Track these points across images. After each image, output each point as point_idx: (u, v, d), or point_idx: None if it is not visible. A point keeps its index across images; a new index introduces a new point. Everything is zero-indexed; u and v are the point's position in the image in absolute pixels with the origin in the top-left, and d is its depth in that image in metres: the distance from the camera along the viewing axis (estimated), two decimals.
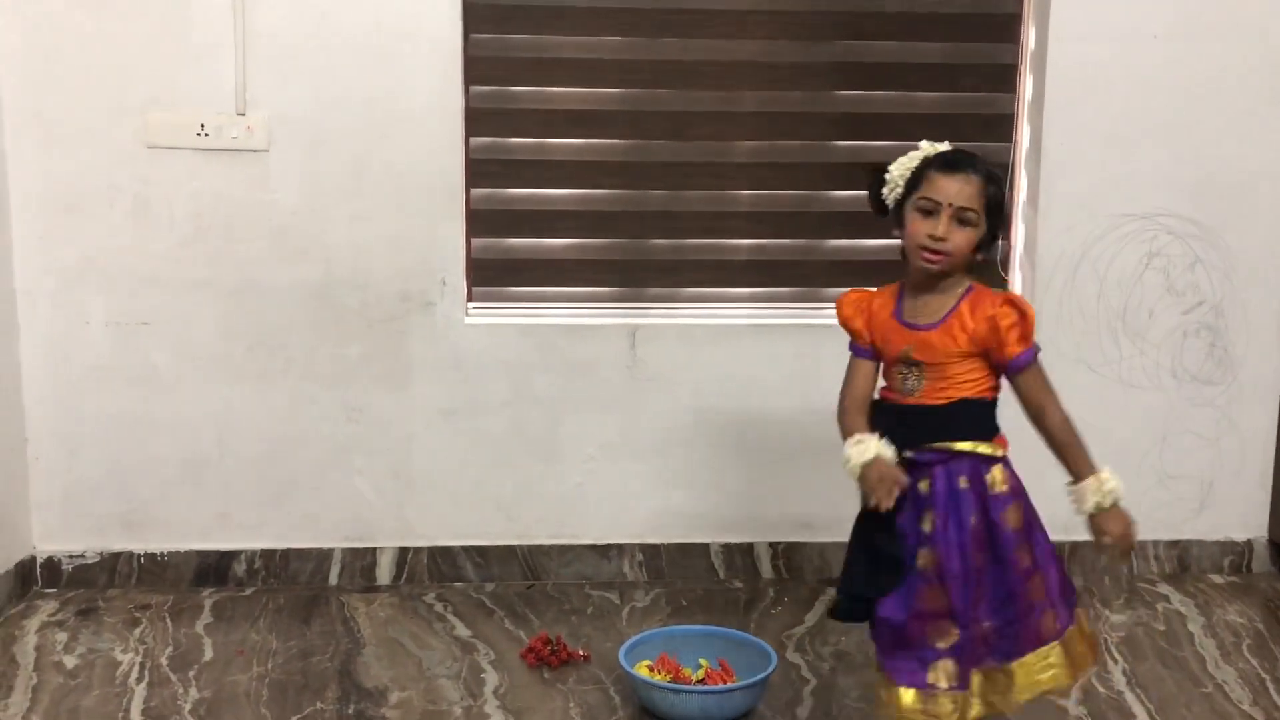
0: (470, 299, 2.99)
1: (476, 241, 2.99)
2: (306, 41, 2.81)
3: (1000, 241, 3.04)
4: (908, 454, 1.93)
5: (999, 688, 1.95)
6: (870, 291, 2.06)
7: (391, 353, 2.93)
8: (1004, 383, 2.00)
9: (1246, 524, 3.15)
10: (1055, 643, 1.95)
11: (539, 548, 3.04)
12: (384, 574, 3.01)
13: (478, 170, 2.96)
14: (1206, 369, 3.08)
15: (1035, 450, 3.05)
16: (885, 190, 2.00)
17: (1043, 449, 3.04)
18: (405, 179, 2.89)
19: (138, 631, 2.71)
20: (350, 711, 2.36)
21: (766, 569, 3.08)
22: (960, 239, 1.90)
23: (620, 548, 3.05)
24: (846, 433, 2.00)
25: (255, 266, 2.88)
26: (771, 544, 3.07)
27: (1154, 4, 2.92)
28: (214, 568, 2.97)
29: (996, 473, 1.95)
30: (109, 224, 2.84)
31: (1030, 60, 3.01)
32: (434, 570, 3.01)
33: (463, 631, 2.74)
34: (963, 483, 1.92)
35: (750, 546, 3.07)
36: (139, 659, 2.57)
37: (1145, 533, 3.07)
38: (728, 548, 3.07)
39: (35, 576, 2.93)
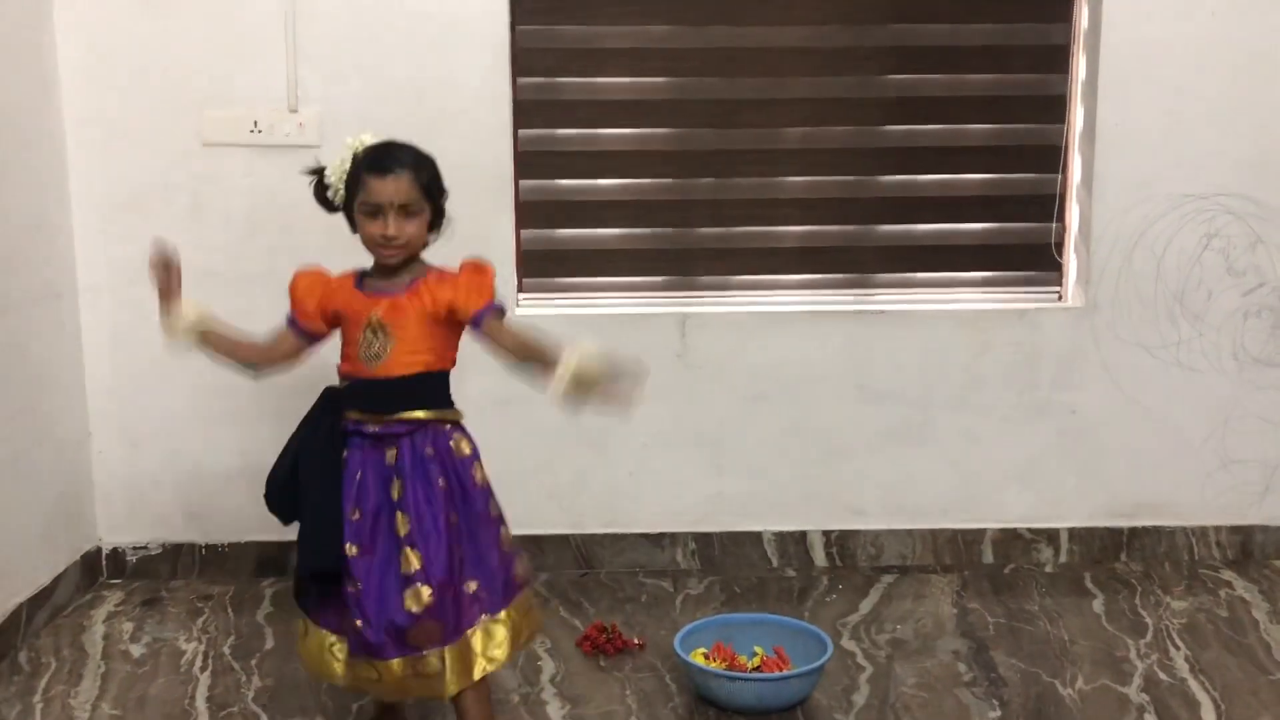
0: (520, 290, 3.00)
1: (526, 233, 3.00)
2: (355, 37, 2.84)
3: (1056, 225, 3.01)
4: (373, 429, 2.00)
5: (497, 639, 2.03)
6: (325, 273, 2.13)
7: None
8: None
9: None
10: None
11: (592, 537, 3.06)
12: None
13: (526, 161, 2.97)
14: (1269, 351, 3.02)
15: (1090, 436, 3.03)
16: (329, 193, 2.08)
17: (1088, 437, 3.02)
18: (455, 171, 2.82)
19: (200, 621, 2.76)
20: (410, 699, 2.39)
21: (820, 556, 3.07)
22: (411, 229, 2.02)
23: (673, 536, 3.06)
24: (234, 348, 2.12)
25: (310, 260, 2.90)
26: (825, 531, 3.06)
27: None
28: (274, 559, 3.02)
29: (460, 438, 2.06)
30: (167, 221, 2.88)
31: (1083, 40, 2.96)
32: None
33: None
34: (429, 451, 2.01)
35: (803, 534, 3.06)
36: (202, 648, 2.63)
37: (1207, 518, 3.08)
38: (780, 535, 3.06)
39: (101, 568, 3.00)
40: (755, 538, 3.06)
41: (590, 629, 2.63)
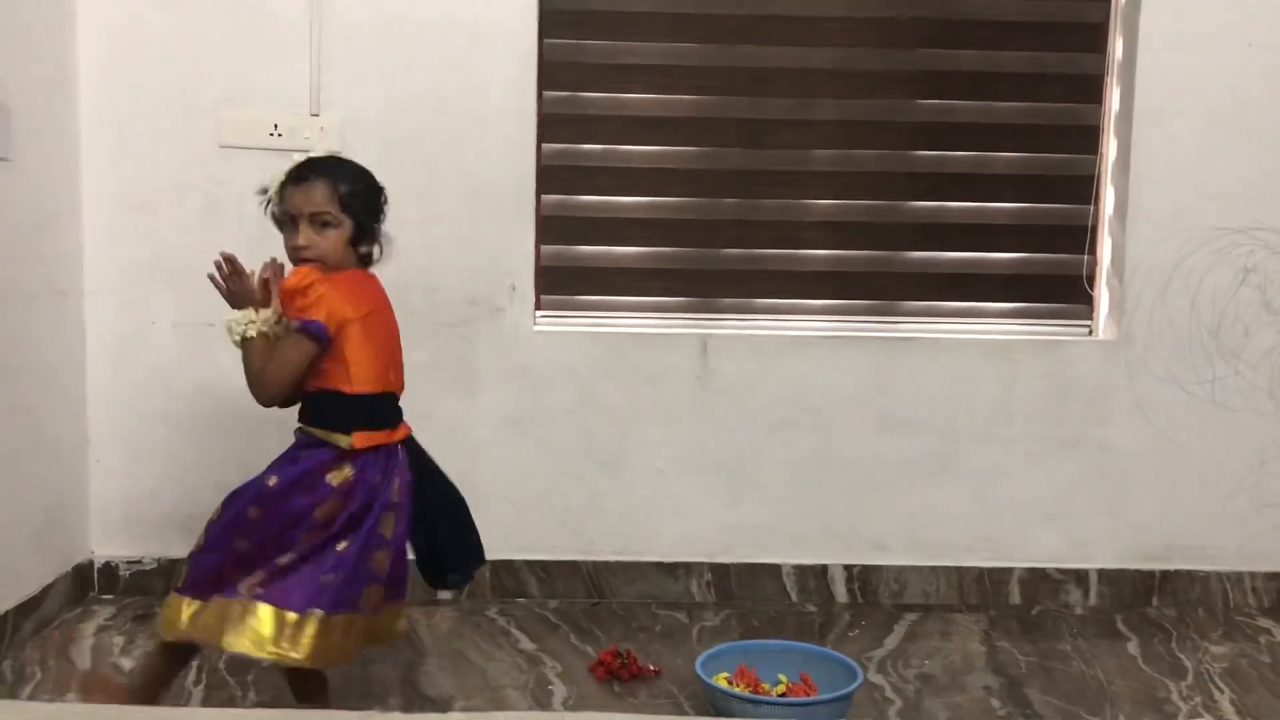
0: (539, 306, 2.92)
1: (546, 248, 2.93)
2: (381, 43, 2.80)
3: (1088, 257, 2.95)
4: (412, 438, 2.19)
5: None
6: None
7: (459, 358, 2.87)
8: None
9: None
10: None
11: (604, 564, 2.94)
12: None
13: (549, 176, 2.91)
14: None
15: (1121, 474, 2.91)
16: (268, 208, 2.06)
17: (1118, 474, 2.92)
18: (477, 183, 2.85)
19: None
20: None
21: (841, 592, 2.95)
22: (326, 242, 2.00)
23: (688, 566, 2.94)
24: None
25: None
26: (846, 566, 2.95)
27: (1247, 10, 2.84)
28: None
29: (345, 468, 2.03)
30: (179, 223, 2.82)
31: (1118, 70, 2.92)
32: (496, 584, 2.91)
33: (528, 645, 2.63)
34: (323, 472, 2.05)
35: (824, 568, 2.95)
36: (196, 662, 2.48)
37: (1243, 564, 2.97)
38: (800, 569, 2.95)
39: (92, 581, 2.87)
40: (774, 570, 2.95)
41: (604, 654, 2.50)
